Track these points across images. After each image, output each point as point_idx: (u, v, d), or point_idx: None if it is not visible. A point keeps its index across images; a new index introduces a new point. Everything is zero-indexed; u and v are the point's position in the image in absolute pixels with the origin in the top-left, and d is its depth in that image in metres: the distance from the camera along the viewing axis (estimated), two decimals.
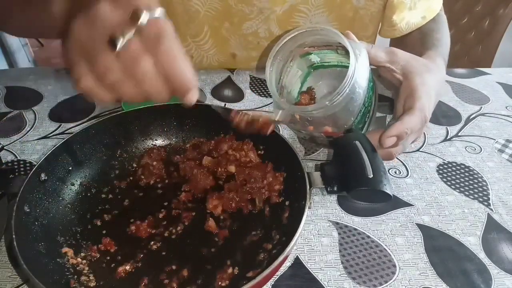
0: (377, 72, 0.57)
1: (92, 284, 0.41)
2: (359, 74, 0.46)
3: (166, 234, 0.46)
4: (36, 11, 0.44)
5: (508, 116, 0.69)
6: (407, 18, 0.71)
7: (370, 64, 0.50)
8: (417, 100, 0.50)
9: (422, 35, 0.71)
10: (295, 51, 0.54)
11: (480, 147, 0.62)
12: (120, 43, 0.29)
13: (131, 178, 0.53)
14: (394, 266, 0.45)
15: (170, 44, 0.31)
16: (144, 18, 0.30)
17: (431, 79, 0.53)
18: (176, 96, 0.33)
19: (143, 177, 0.53)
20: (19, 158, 0.58)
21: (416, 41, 0.71)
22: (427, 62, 0.56)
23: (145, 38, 0.30)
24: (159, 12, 0.31)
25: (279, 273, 0.44)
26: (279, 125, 0.57)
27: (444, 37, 0.69)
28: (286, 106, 0.49)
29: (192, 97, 0.33)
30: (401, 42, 0.75)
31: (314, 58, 0.56)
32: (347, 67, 0.55)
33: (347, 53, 0.53)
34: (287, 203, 0.47)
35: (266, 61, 0.52)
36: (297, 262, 0.45)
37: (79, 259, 0.43)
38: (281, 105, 0.49)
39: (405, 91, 0.52)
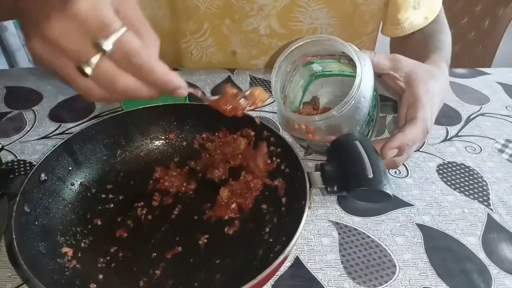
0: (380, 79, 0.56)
1: (92, 284, 0.41)
2: (365, 84, 0.46)
3: (166, 234, 0.46)
4: None
5: (508, 116, 0.69)
6: (411, 18, 0.71)
7: (374, 72, 0.50)
8: (419, 110, 0.49)
9: (425, 36, 0.71)
10: (298, 60, 0.54)
11: (480, 147, 0.62)
12: (89, 71, 0.29)
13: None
14: (394, 266, 0.45)
15: (142, 59, 0.31)
16: (107, 46, 0.29)
17: (435, 86, 0.53)
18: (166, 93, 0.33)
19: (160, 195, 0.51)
20: (19, 158, 0.58)
21: (419, 43, 0.71)
22: (431, 68, 0.56)
23: (115, 60, 0.30)
24: (121, 32, 0.29)
25: (279, 273, 0.44)
26: (279, 126, 0.57)
27: (446, 38, 0.69)
28: (292, 116, 0.49)
29: (182, 93, 0.34)
30: (403, 43, 0.75)
31: (316, 67, 0.56)
32: (348, 76, 0.55)
33: (350, 62, 0.53)
34: (286, 202, 0.47)
35: (274, 63, 0.52)
36: (297, 262, 0.45)
37: None
38: (287, 115, 0.50)
39: (408, 100, 0.52)
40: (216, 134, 0.56)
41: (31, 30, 0.29)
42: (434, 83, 0.53)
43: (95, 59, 0.29)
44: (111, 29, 0.29)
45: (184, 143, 0.57)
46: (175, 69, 0.80)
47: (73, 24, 0.28)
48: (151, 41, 0.32)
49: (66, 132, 0.63)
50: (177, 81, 0.33)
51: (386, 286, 0.43)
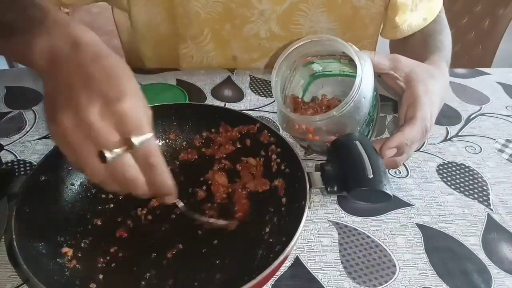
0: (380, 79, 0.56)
1: (92, 284, 0.41)
2: (365, 84, 0.46)
3: (166, 234, 0.46)
4: None
5: (508, 116, 0.69)
6: (409, 20, 0.71)
7: (374, 72, 0.50)
8: (418, 110, 0.49)
9: (425, 36, 0.71)
10: (299, 60, 0.54)
11: (480, 147, 0.62)
12: (110, 158, 0.32)
13: None
14: (394, 266, 0.45)
15: (157, 161, 0.34)
16: (136, 142, 0.32)
17: (435, 86, 0.53)
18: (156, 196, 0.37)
19: None
20: (19, 158, 0.58)
21: (418, 43, 0.71)
22: (431, 68, 0.56)
23: (136, 155, 0.33)
24: (149, 135, 0.33)
25: (279, 273, 0.44)
26: (279, 126, 0.57)
27: (446, 39, 0.69)
28: (292, 115, 0.49)
29: (170, 199, 0.38)
30: (403, 44, 0.75)
31: (316, 67, 0.56)
32: (348, 76, 0.56)
33: (350, 62, 0.53)
34: (286, 202, 0.47)
35: (274, 63, 0.52)
36: (297, 262, 0.45)
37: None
38: (287, 115, 0.50)
39: (408, 100, 0.52)
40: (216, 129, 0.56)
41: (66, 104, 0.32)
42: (434, 82, 0.53)
43: (119, 149, 0.32)
44: (144, 131, 0.32)
45: (184, 143, 0.57)
46: (175, 69, 0.80)
47: (115, 117, 0.31)
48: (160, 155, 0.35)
49: None
50: (172, 187, 0.37)
51: (386, 286, 0.43)
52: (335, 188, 0.44)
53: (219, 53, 0.80)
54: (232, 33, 0.76)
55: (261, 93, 0.74)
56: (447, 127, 0.66)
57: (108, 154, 0.32)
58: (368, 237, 0.48)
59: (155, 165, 0.34)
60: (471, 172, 0.57)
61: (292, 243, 0.38)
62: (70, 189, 0.49)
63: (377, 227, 0.49)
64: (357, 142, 0.45)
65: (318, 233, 0.48)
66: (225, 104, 0.71)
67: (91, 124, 0.31)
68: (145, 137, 0.33)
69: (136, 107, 0.32)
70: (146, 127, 0.33)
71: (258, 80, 0.77)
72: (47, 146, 0.60)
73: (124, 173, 0.33)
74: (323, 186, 0.44)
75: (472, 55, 1.23)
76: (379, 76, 0.54)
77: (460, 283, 0.43)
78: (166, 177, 0.35)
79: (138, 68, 0.82)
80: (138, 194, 0.35)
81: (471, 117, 0.69)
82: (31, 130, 0.63)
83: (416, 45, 0.71)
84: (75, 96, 0.32)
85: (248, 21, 0.73)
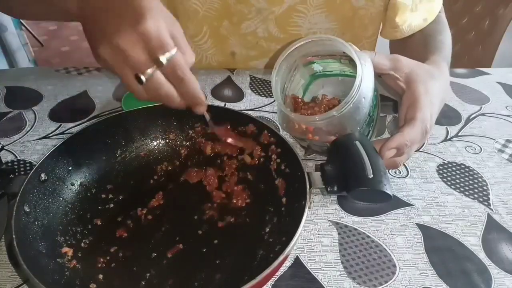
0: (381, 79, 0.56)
1: (93, 284, 0.41)
2: (365, 84, 0.46)
3: (166, 234, 0.46)
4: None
5: (508, 116, 0.69)
6: (409, 20, 0.71)
7: (374, 72, 0.50)
8: (418, 111, 0.49)
9: (425, 37, 0.71)
10: (299, 60, 0.54)
11: (480, 147, 0.62)
12: (143, 79, 0.36)
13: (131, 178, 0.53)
14: (394, 266, 0.45)
15: (184, 73, 0.38)
16: (163, 60, 0.36)
17: (435, 87, 0.53)
18: (189, 107, 0.42)
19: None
20: (19, 158, 0.58)
21: (419, 44, 0.71)
22: (432, 69, 0.56)
23: (166, 72, 0.37)
24: (174, 51, 0.37)
25: (279, 273, 0.44)
26: (279, 126, 0.57)
27: (446, 39, 0.69)
28: (292, 115, 0.49)
29: (201, 110, 0.43)
30: (403, 44, 0.75)
31: (317, 67, 0.56)
32: (348, 76, 0.55)
33: (350, 62, 0.53)
34: (286, 202, 0.47)
35: (274, 63, 0.52)
36: (297, 262, 0.45)
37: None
38: (287, 115, 0.50)
39: (408, 100, 0.51)
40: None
41: (101, 37, 0.36)
42: (434, 83, 0.53)
43: (150, 70, 0.36)
44: (167, 48, 0.36)
45: (184, 143, 0.57)
46: None
47: (140, 39, 0.35)
48: (189, 58, 0.39)
49: (66, 132, 0.63)
50: (202, 98, 0.41)
51: (386, 286, 0.43)
52: (335, 188, 0.44)
53: (218, 50, 0.80)
54: (231, 30, 0.76)
55: (261, 93, 0.74)
56: (447, 127, 0.66)
57: (142, 76, 0.36)
58: (368, 237, 0.48)
59: (183, 77, 0.38)
60: (471, 172, 0.57)
61: (292, 243, 0.38)
62: (70, 189, 0.49)
63: (377, 227, 0.49)
64: (357, 142, 0.45)
65: (318, 233, 0.48)
66: (225, 104, 0.71)
67: (123, 50, 0.35)
68: (170, 54, 0.36)
69: (157, 26, 0.35)
70: (169, 44, 0.36)
71: (258, 80, 0.77)
72: (47, 146, 0.60)
73: (159, 90, 0.38)
74: (323, 186, 0.44)
75: (472, 55, 1.23)
76: (379, 76, 0.54)
77: (460, 283, 0.43)
78: (195, 88, 0.40)
79: None
80: (175, 107, 0.40)
81: (471, 117, 0.69)
82: (31, 130, 0.63)
83: (416, 46, 0.71)
84: (104, 28, 0.36)
85: (245, 18, 0.74)
